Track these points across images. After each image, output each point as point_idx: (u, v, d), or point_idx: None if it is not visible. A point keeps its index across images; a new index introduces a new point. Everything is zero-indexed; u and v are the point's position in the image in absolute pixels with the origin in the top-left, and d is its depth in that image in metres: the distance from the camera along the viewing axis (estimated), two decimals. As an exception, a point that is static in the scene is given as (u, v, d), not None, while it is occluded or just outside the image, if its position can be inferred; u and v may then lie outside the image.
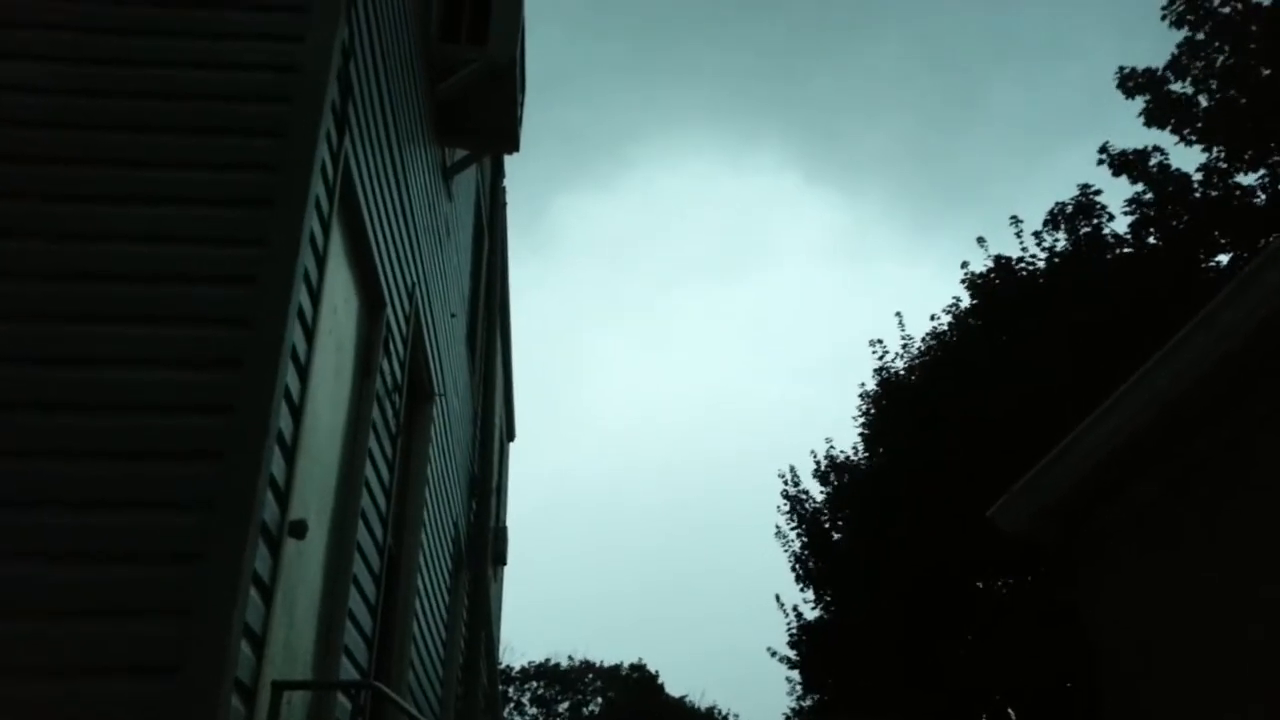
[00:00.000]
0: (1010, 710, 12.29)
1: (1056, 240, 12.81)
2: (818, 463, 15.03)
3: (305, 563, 3.51)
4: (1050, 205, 12.86)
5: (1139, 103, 12.83)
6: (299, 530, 3.22)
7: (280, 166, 3.22)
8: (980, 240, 13.28)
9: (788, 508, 15.13)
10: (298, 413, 3.17)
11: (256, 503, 2.79)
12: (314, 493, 3.59)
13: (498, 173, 9.50)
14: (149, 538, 2.72)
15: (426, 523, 5.84)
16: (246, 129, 3.29)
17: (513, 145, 6.63)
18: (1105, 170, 12.85)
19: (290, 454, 3.11)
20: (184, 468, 2.81)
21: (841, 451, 14.92)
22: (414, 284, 5.27)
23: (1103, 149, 12.78)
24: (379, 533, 4.47)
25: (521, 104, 6.55)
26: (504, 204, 9.55)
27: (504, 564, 10.88)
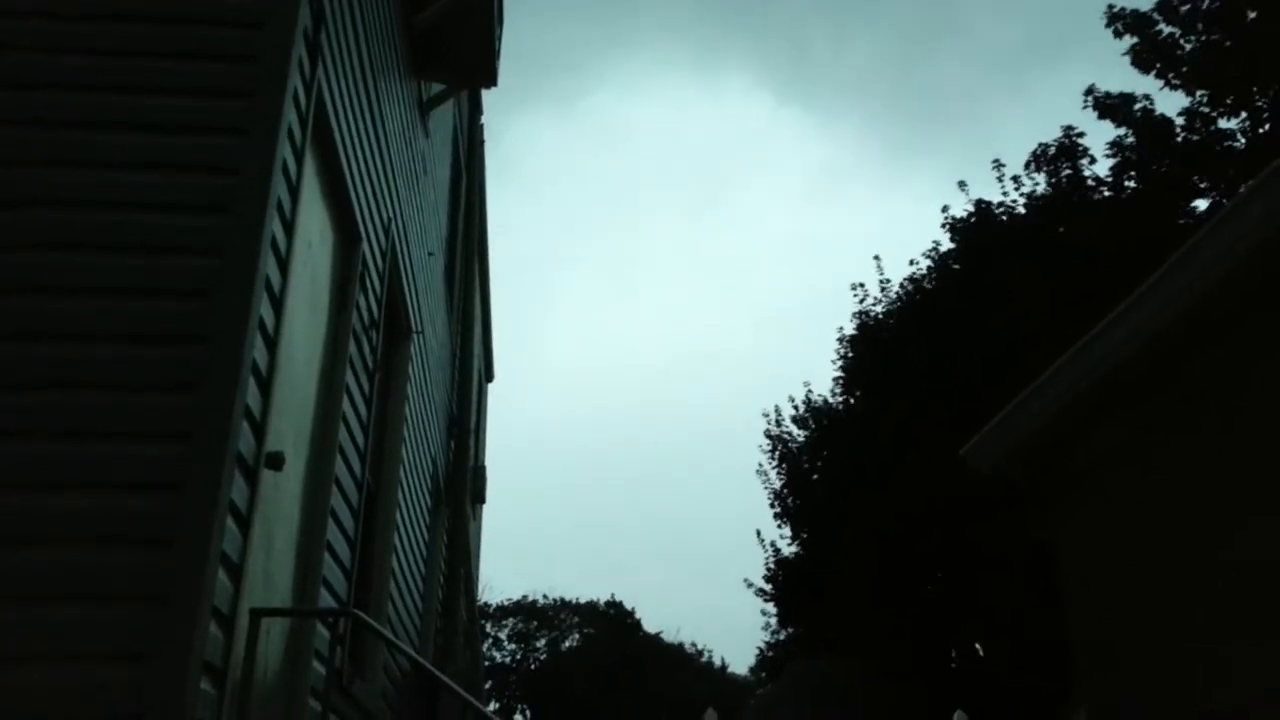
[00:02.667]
0: (977, 645, 12.60)
1: (1037, 184, 12.81)
2: (796, 408, 15.15)
3: (283, 494, 3.52)
4: (1031, 131, 12.85)
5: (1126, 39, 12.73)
6: (275, 461, 3.22)
7: (251, 93, 3.16)
8: (961, 184, 13.26)
9: (770, 446, 15.29)
10: (272, 344, 3.15)
11: (231, 433, 2.78)
12: (291, 426, 3.59)
13: (475, 109, 9.36)
14: (124, 468, 2.72)
15: (405, 460, 5.85)
16: (217, 54, 3.22)
17: (490, 79, 6.53)
18: (1088, 109, 12.79)
19: (265, 385, 3.10)
20: (157, 399, 2.80)
21: (820, 396, 15.04)
22: (390, 219, 5.22)
23: (1088, 91, 12.71)
24: (357, 468, 4.48)
25: (499, 37, 6.42)
26: (482, 141, 9.42)
27: (483, 502, 10.95)
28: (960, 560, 11.47)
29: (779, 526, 15.04)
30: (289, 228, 3.29)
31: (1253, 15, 11.74)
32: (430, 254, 7.06)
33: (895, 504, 11.76)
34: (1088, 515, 5.41)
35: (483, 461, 11.77)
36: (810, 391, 15.18)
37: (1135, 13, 12.71)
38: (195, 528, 2.65)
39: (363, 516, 4.61)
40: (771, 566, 14.98)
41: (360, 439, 4.54)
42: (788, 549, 14.86)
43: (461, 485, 7.74)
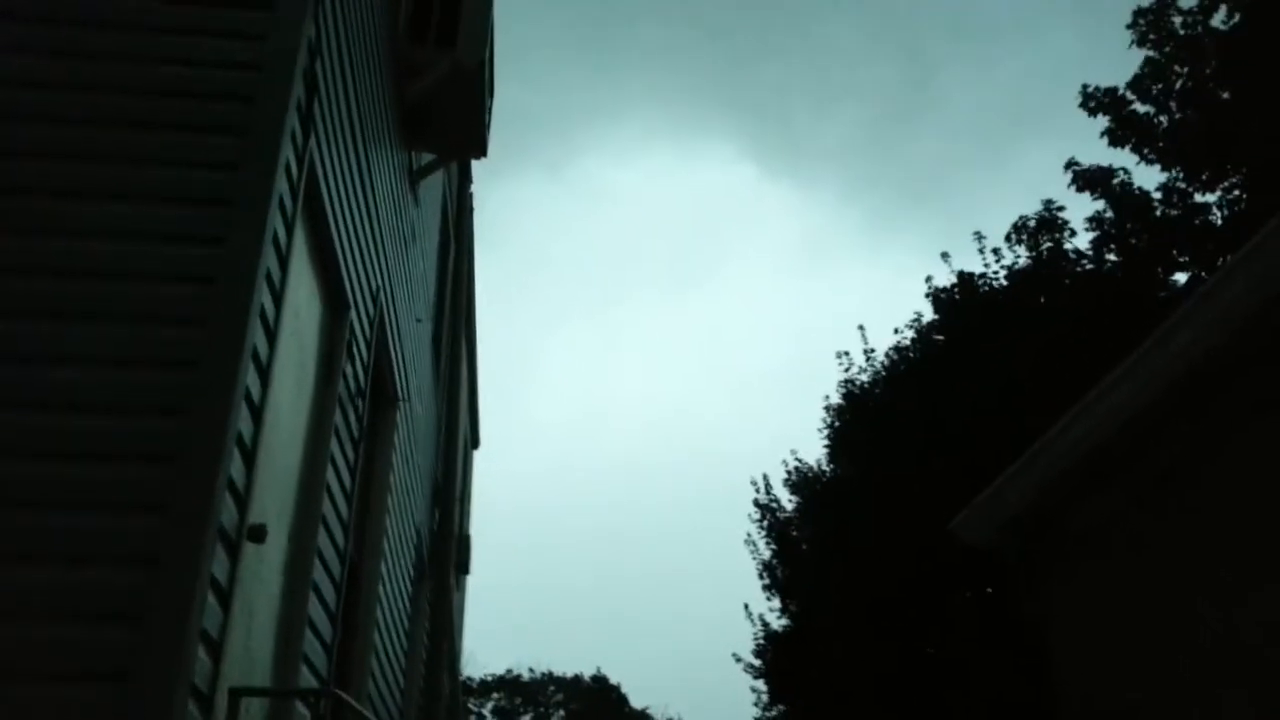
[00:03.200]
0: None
1: (1019, 257, 12.98)
2: (789, 472, 15.09)
3: (264, 568, 3.45)
4: (1012, 199, 13.10)
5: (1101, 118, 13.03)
6: (258, 534, 3.16)
7: (243, 165, 3.17)
8: (944, 255, 13.44)
9: (758, 515, 15.18)
10: (258, 415, 3.11)
11: (214, 506, 2.73)
12: (274, 497, 3.53)
13: (465, 178, 9.46)
14: (103, 541, 2.66)
15: (389, 530, 5.77)
16: (210, 126, 3.24)
17: (480, 150, 6.60)
18: (1068, 175, 13.02)
19: (250, 457, 3.05)
20: (140, 470, 2.75)
21: (805, 463, 14.99)
22: (379, 287, 5.22)
23: (1068, 164, 12.98)
24: (340, 539, 4.41)
25: (490, 109, 6.52)
26: (471, 209, 9.50)
27: (467, 573, 10.78)
28: (949, 632, 11.33)
29: (768, 598, 14.86)
30: (278, 298, 3.28)
31: (1224, 95, 12.07)
32: (418, 320, 7.06)
33: (884, 575, 11.65)
34: (1078, 588, 5.36)
35: (467, 530, 11.62)
36: (799, 460, 15.13)
37: (1109, 91, 13.05)
38: (175, 603, 2.58)
39: (345, 590, 4.52)
40: (761, 640, 14.75)
41: (344, 510, 4.48)
42: (777, 622, 14.67)
43: (445, 555, 7.62)
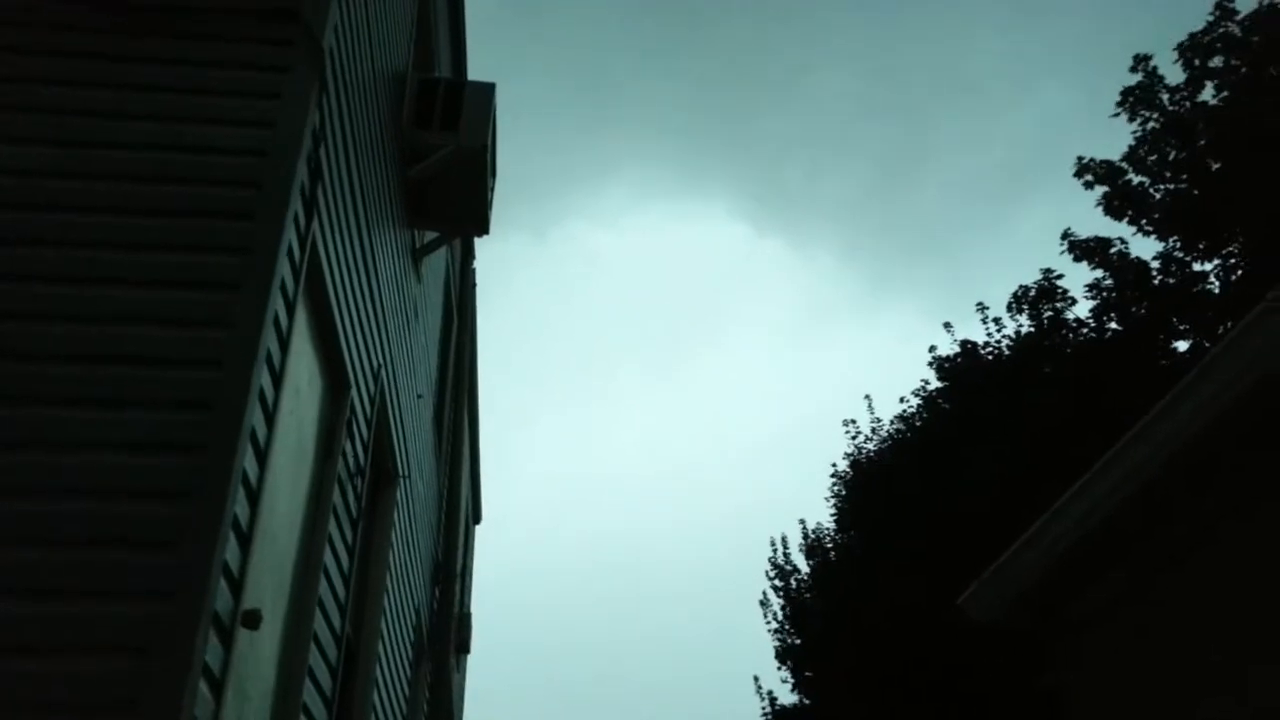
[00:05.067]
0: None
1: (1020, 326, 13.04)
2: (805, 536, 14.97)
3: (258, 654, 3.40)
4: (1011, 259, 13.17)
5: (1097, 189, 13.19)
6: (253, 620, 3.12)
7: (246, 249, 3.21)
8: (947, 325, 13.53)
9: (774, 574, 15.01)
10: (255, 498, 3.10)
11: (209, 592, 2.71)
12: (270, 580, 3.49)
13: (468, 253, 9.56)
14: (97, 628, 2.63)
15: (387, 610, 5.69)
16: (214, 212, 3.29)
17: (483, 228, 6.69)
18: (1064, 245, 13.12)
19: (246, 541, 3.03)
20: (136, 556, 2.73)
21: (815, 530, 14.87)
22: (379, 365, 5.24)
23: (1065, 235, 13.11)
24: (337, 622, 4.35)
25: (492, 188, 6.62)
26: (474, 285, 9.59)
27: (467, 652, 10.60)
28: (960, 707, 11.08)
29: (779, 669, 14.60)
30: (277, 380, 3.29)
31: (1217, 166, 12.23)
32: (419, 396, 7.07)
33: (894, 650, 11.45)
34: (1091, 661, 5.26)
35: (468, 608, 11.45)
36: (807, 526, 15.02)
37: (1105, 163, 13.24)
38: (167, 692, 2.54)
39: (342, 674, 4.44)
40: (768, 716, 14.44)
41: (341, 592, 4.42)
42: (788, 697, 14.38)
43: (445, 635, 7.50)
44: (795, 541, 15.09)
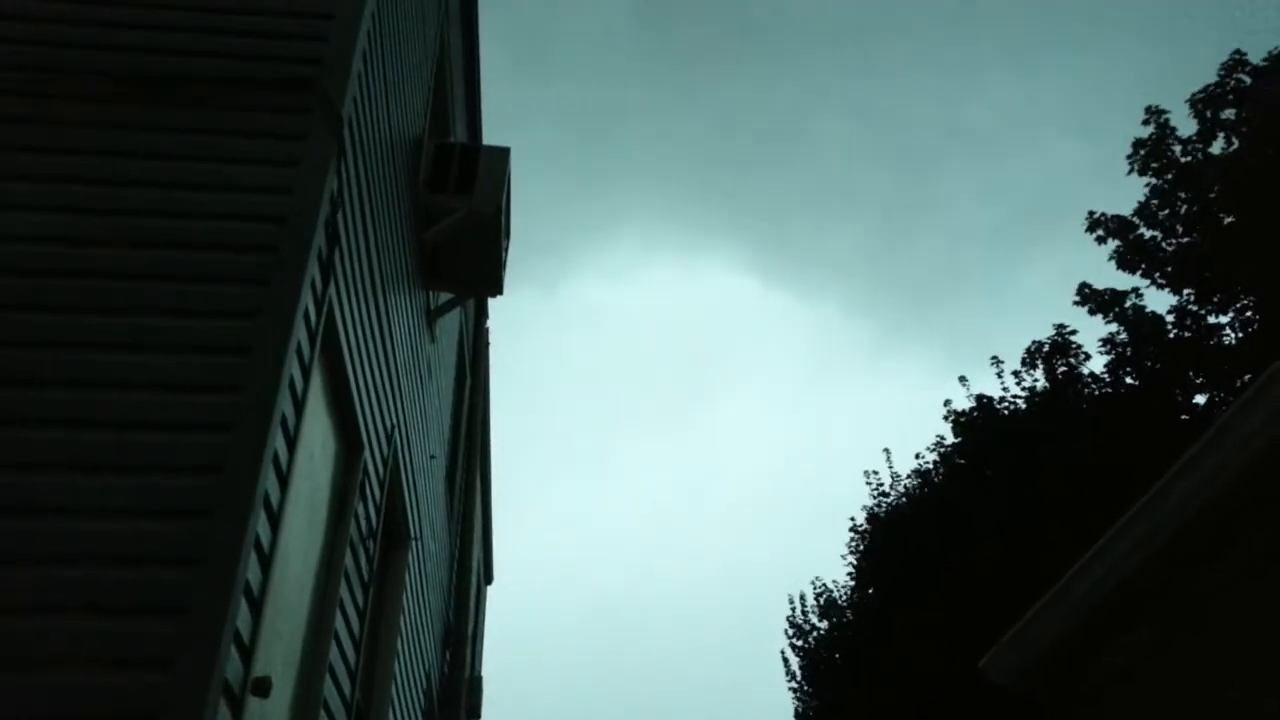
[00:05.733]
0: None
1: (1035, 380, 12.98)
2: (818, 597, 14.78)
3: (268, 722, 3.35)
4: (1023, 306, 13.10)
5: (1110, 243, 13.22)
6: (263, 688, 3.08)
7: (262, 313, 3.23)
8: (962, 379, 13.48)
9: (792, 633, 14.79)
10: (267, 564, 3.08)
11: (219, 660, 2.68)
12: (280, 645, 3.46)
13: (481, 313, 9.62)
14: (107, 696, 2.60)
15: (397, 675, 5.62)
16: (232, 278, 3.32)
17: (496, 289, 6.74)
18: (1079, 297, 13.11)
19: (257, 607, 3.01)
20: (147, 623, 2.72)
21: (837, 584, 14.69)
22: (393, 427, 5.24)
23: (1080, 289, 13.11)
24: (347, 688, 4.30)
25: (506, 250, 6.68)
26: (487, 344, 9.63)
27: (478, 718, 10.43)
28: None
29: None
30: (291, 443, 3.30)
31: (1228, 220, 12.25)
32: (432, 457, 7.06)
33: (911, 708, 11.22)
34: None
35: (479, 672, 11.30)
36: (825, 584, 14.83)
37: (1116, 218, 13.28)
38: (173, 765, 2.50)
39: (351, 741, 4.38)
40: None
41: (352, 657, 4.38)
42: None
43: (456, 700, 7.40)
44: (815, 594, 14.91)
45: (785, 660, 14.81)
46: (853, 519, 14.41)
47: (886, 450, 14.24)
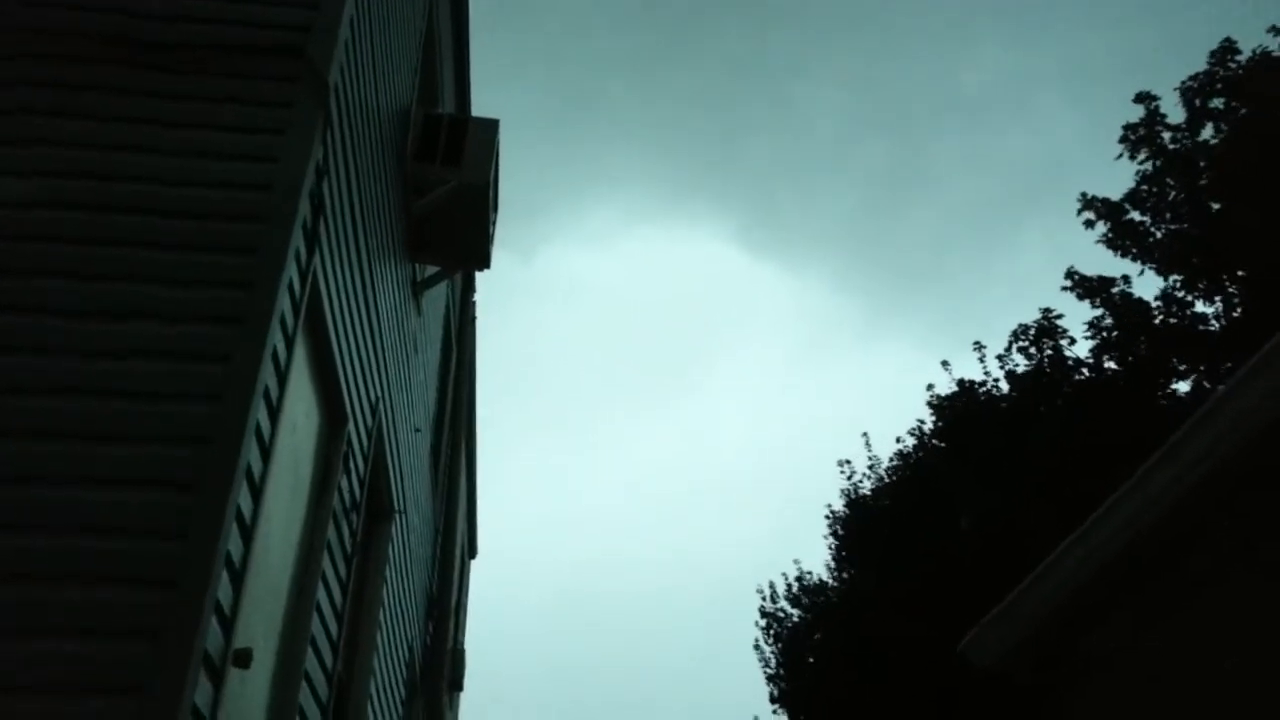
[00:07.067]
0: None
1: (1018, 365, 13.02)
2: (789, 585, 14.84)
3: (249, 693, 3.34)
4: (1011, 281, 13.12)
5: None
6: (244, 659, 3.07)
7: (248, 284, 3.19)
8: (945, 364, 13.51)
9: (764, 624, 14.86)
10: (249, 535, 3.06)
11: (200, 631, 2.67)
12: (262, 617, 3.45)
13: (468, 286, 9.56)
14: (87, 667, 2.59)
15: (380, 647, 5.62)
16: (217, 246, 3.28)
17: (484, 263, 6.69)
18: (1068, 282, 13.16)
19: (239, 578, 2.99)
20: (129, 594, 2.70)
21: (812, 573, 14.75)
22: (378, 399, 5.21)
23: (1069, 274, 13.16)
24: (329, 659, 4.29)
25: (494, 223, 6.63)
26: (473, 318, 9.58)
27: (460, 689, 10.47)
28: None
29: (775, 711, 14.43)
30: (274, 415, 3.26)
31: (1216, 207, 12.29)
32: (417, 430, 7.03)
33: (894, 694, 11.32)
34: (1095, 705, 5.18)
35: (462, 644, 11.33)
36: (802, 570, 14.89)
37: (1106, 201, 13.32)
38: (153, 735, 2.49)
39: (332, 713, 4.37)
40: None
41: (334, 628, 4.37)
42: (786, 734, 14.18)
43: (439, 672, 7.41)
44: (783, 589, 14.93)
45: (758, 647, 14.86)
46: (829, 505, 14.44)
47: (865, 434, 14.27)
